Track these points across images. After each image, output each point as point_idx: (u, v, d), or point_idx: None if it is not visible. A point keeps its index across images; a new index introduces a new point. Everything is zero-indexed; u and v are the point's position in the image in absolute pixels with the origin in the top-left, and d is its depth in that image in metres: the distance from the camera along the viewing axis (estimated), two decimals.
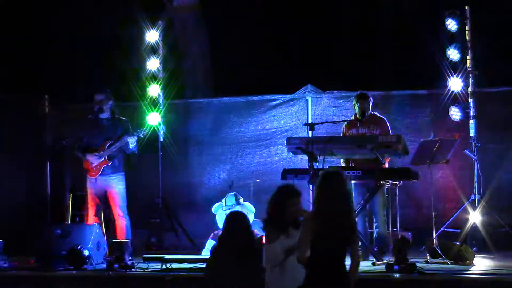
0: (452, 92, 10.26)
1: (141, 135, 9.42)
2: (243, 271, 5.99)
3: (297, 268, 5.80)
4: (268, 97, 11.31)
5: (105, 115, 9.39)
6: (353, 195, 8.78)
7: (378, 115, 9.06)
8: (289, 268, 6.07)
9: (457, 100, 10.24)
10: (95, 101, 9.33)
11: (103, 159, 9.25)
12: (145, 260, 8.47)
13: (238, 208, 9.21)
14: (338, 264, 5.58)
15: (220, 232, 6.48)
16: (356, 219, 7.05)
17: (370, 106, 8.99)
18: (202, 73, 12.37)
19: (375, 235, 8.85)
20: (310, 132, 8.77)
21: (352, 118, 9.04)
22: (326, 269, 5.53)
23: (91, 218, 9.31)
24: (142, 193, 10.88)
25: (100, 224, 9.26)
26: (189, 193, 11.00)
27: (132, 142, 9.22)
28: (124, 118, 9.54)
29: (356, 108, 8.94)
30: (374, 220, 8.85)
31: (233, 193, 9.50)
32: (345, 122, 9.10)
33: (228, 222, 6.23)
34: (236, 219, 6.28)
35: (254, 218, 9.10)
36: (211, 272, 6.17)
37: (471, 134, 10.15)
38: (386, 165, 8.85)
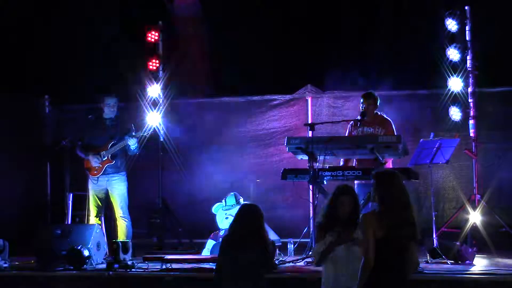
0: (452, 92, 10.27)
1: (145, 134, 9.46)
2: (250, 262, 6.07)
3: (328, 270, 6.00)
4: (268, 97, 11.31)
5: (109, 115, 9.41)
6: None
7: (385, 116, 9.03)
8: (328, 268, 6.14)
9: (457, 100, 10.25)
10: (106, 104, 9.35)
11: (105, 158, 9.28)
12: (145, 260, 8.47)
13: (237, 208, 9.21)
14: (399, 269, 5.53)
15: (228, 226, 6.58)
16: None
17: (376, 106, 8.95)
18: (202, 73, 12.36)
19: None
20: (310, 132, 8.77)
21: (359, 117, 9.02)
22: (386, 275, 5.47)
23: (92, 220, 9.31)
24: (142, 193, 10.88)
25: (101, 225, 9.27)
26: (189, 193, 11.00)
27: (133, 143, 9.24)
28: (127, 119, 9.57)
29: (361, 107, 8.95)
30: None
31: (233, 193, 9.50)
32: (351, 122, 9.06)
33: (240, 213, 6.31)
34: (246, 210, 6.35)
35: None
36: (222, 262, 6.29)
37: (471, 134, 10.15)
38: (390, 165, 8.83)
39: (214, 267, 6.83)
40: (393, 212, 5.50)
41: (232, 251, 6.22)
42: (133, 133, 9.27)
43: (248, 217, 6.32)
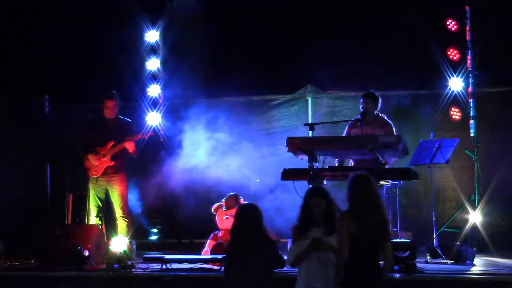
0: (452, 92, 10.28)
1: (145, 136, 9.48)
2: (250, 263, 6.11)
3: (307, 272, 6.13)
4: (268, 97, 11.31)
5: (110, 115, 9.43)
6: None
7: (386, 118, 9.02)
8: (303, 271, 6.25)
9: (457, 100, 10.26)
10: (106, 106, 9.36)
11: (105, 158, 9.28)
12: (145, 260, 8.47)
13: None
14: (372, 262, 5.79)
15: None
16: None
17: (376, 106, 8.95)
18: (202, 73, 12.36)
19: None
20: (310, 132, 8.77)
21: (359, 116, 9.01)
22: (360, 266, 5.74)
23: (92, 220, 9.32)
24: (142, 193, 10.88)
25: (101, 226, 9.27)
26: (189, 193, 11.00)
27: (130, 147, 9.26)
28: (129, 120, 9.59)
29: (360, 107, 8.94)
30: None
31: (233, 193, 9.49)
32: (350, 121, 9.05)
33: (238, 216, 6.35)
34: (244, 211, 6.39)
35: None
36: (228, 265, 6.39)
37: (471, 134, 10.16)
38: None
39: (215, 269, 6.87)
40: (361, 212, 5.81)
41: (239, 257, 6.26)
42: (131, 136, 9.28)
43: (246, 220, 6.35)
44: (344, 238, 5.76)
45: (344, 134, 9.10)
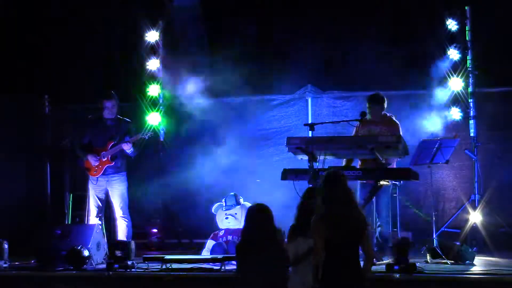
0: (452, 92, 10.27)
1: (145, 136, 9.45)
2: (264, 263, 6.09)
3: (305, 273, 6.01)
4: (268, 97, 11.31)
5: (109, 115, 9.42)
6: (358, 194, 8.75)
7: (393, 118, 9.00)
8: (300, 271, 6.21)
9: (457, 100, 10.26)
10: (105, 106, 9.36)
11: (105, 159, 9.28)
12: (145, 260, 8.47)
13: (238, 208, 9.21)
14: (352, 262, 5.68)
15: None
16: None
17: (381, 107, 8.93)
18: (201, 72, 12.36)
19: (376, 234, 8.84)
20: (310, 132, 8.77)
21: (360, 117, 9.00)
22: (339, 268, 5.63)
23: (92, 220, 9.31)
24: (142, 193, 10.88)
25: (101, 225, 9.27)
26: (189, 193, 11.01)
27: (127, 148, 9.25)
28: (128, 120, 9.58)
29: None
30: (377, 220, 8.82)
31: (233, 193, 9.49)
32: (358, 122, 9.03)
33: (251, 216, 6.33)
34: (256, 211, 6.36)
35: None
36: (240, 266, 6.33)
37: (471, 134, 10.16)
38: (394, 165, 8.82)
39: (215, 269, 6.77)
40: (336, 210, 5.69)
41: (248, 257, 6.23)
42: (128, 138, 9.27)
43: (256, 220, 6.31)
44: (318, 243, 5.64)
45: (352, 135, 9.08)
